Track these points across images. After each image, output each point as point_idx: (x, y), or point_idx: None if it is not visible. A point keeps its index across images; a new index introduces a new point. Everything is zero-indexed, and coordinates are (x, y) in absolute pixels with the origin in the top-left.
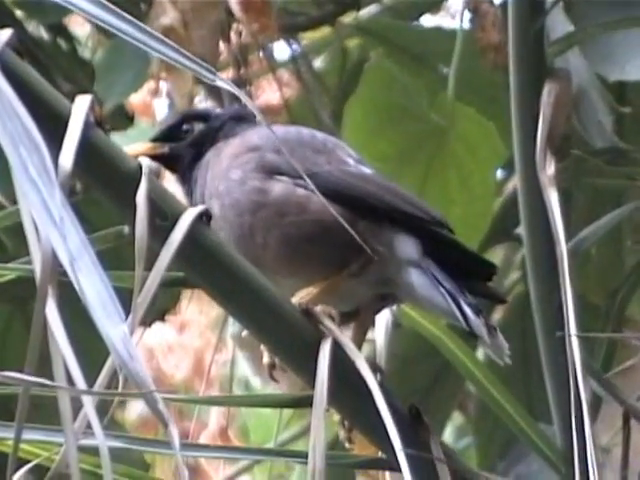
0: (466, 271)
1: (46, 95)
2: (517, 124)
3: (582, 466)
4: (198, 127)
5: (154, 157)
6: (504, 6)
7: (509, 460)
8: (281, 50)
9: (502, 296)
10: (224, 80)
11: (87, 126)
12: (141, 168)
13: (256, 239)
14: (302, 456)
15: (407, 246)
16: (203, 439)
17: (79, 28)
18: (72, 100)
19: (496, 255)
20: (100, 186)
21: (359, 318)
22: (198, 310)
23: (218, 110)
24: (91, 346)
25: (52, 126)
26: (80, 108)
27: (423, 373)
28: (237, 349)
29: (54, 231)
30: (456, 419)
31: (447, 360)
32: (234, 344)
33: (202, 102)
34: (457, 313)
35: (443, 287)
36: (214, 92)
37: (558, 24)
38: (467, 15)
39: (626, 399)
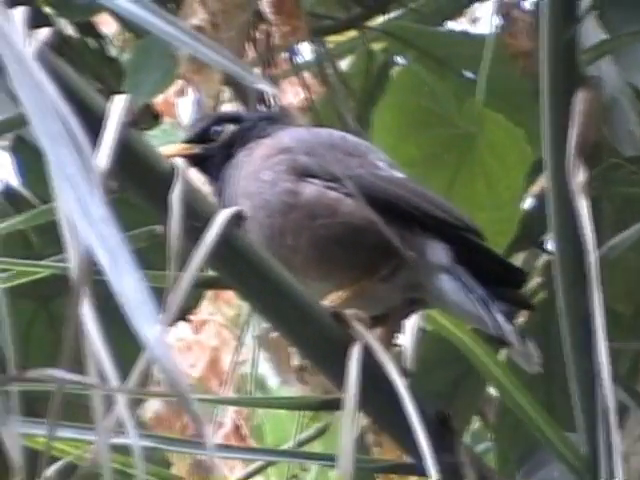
0: (495, 277)
1: (83, 94)
2: (548, 131)
3: (606, 474)
4: (229, 129)
5: (187, 158)
6: (535, 12)
7: (530, 466)
8: (306, 52)
9: (530, 303)
10: (263, 80)
11: (123, 126)
12: (175, 169)
13: (286, 241)
14: (318, 457)
15: (437, 251)
16: (218, 438)
17: (107, 27)
18: (104, 99)
19: (516, 260)
20: (134, 186)
21: (388, 322)
22: (216, 309)
23: (249, 112)
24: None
25: (88, 125)
26: (117, 108)
27: (444, 378)
28: (256, 349)
29: (91, 230)
30: (473, 424)
31: (468, 366)
32: (256, 344)
33: (229, 103)
34: (487, 319)
35: (473, 293)
36: (240, 93)
37: (590, 32)
38: (495, 20)
39: None
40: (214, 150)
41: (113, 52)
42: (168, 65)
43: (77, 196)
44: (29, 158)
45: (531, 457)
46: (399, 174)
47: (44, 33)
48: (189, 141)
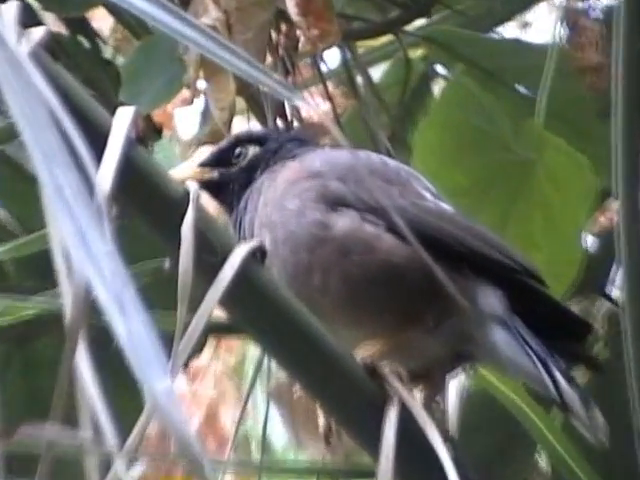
0: (554, 328)
1: (82, 105)
2: (620, 158)
3: None
4: (252, 151)
5: (201, 183)
6: (606, 22)
7: None
8: (332, 59)
9: (598, 363)
10: (288, 88)
11: (128, 143)
12: (188, 195)
13: (313, 280)
14: None
15: (491, 298)
16: None
17: (101, 23)
18: (106, 110)
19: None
20: (140, 213)
21: (430, 379)
22: (215, 356)
23: (275, 132)
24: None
25: (88, 141)
26: (122, 121)
27: (487, 443)
28: (263, 404)
29: (91, 264)
30: None
31: (515, 430)
32: (264, 399)
33: (244, 116)
34: (547, 380)
35: (531, 348)
36: (257, 105)
37: None
38: (560, 30)
39: None
40: (233, 175)
41: (108, 53)
42: (174, 70)
43: (75, 223)
44: (7, 176)
45: None
46: (446, 206)
47: (39, 32)
48: (205, 164)
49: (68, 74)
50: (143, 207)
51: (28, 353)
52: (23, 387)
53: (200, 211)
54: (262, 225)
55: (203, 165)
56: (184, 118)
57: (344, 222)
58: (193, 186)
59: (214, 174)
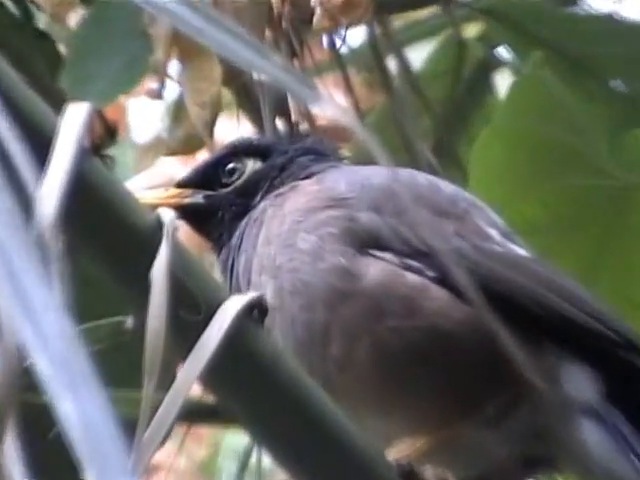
0: None
1: (15, 96)
2: None
3: None
4: (252, 166)
5: (180, 210)
6: None
7: None
8: (355, 37)
9: None
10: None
11: (81, 155)
12: (162, 227)
13: (331, 350)
14: None
15: (580, 380)
16: None
17: None
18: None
19: None
20: (96, 251)
21: None
22: (180, 448)
23: (283, 140)
24: None
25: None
26: (72, 125)
27: None
28: None
29: (28, 322)
30: None
31: None
32: None
33: (232, 115)
34: None
35: (634, 451)
36: (251, 100)
37: None
38: None
39: None
40: (225, 199)
41: (43, 23)
42: (136, 49)
43: (5, 264)
44: None
45: None
46: (520, 249)
47: None
48: (185, 184)
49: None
50: (100, 243)
51: None
52: None
53: (178, 250)
54: (262, 270)
55: (182, 185)
56: (145, 115)
57: (377, 270)
58: (168, 215)
59: (197, 198)
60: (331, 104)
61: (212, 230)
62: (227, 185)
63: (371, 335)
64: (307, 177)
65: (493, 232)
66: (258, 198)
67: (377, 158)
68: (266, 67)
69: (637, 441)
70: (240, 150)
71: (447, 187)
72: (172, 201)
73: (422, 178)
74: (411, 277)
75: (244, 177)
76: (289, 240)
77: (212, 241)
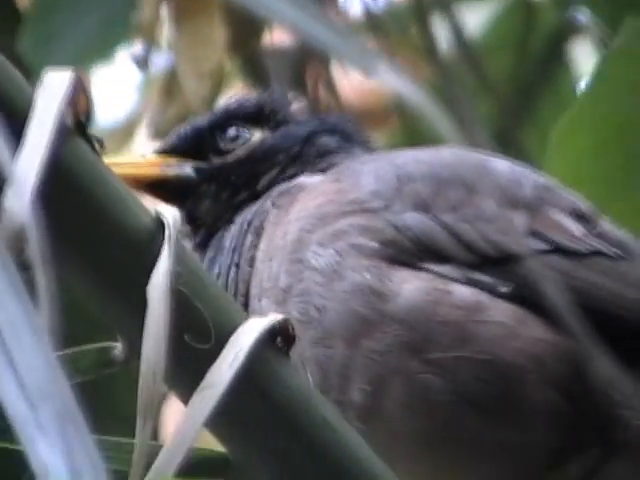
0: None
1: None
2: None
3: None
4: (260, 137)
5: (160, 185)
6: None
7: None
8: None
9: None
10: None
11: (62, 136)
12: (163, 227)
13: (352, 395)
14: None
15: None
16: None
17: None
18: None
19: None
20: (78, 256)
21: None
22: None
23: (301, 108)
24: None
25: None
26: (51, 99)
27: None
28: None
29: None
30: None
31: None
32: None
33: (235, 89)
34: None
35: None
36: (259, 72)
37: None
38: None
39: None
40: (219, 175)
41: None
42: (117, 3)
43: None
44: None
45: None
46: (613, 247)
47: None
48: (170, 151)
49: None
50: (84, 247)
51: None
52: None
53: (182, 258)
54: (263, 293)
55: (166, 152)
56: (120, 88)
57: (414, 287)
58: (171, 214)
59: (185, 169)
60: (393, 72)
61: (201, 212)
62: (224, 154)
63: (405, 375)
64: (323, 170)
65: (576, 228)
66: (265, 180)
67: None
68: (308, 21)
69: None
70: (242, 114)
71: (509, 167)
72: (152, 171)
73: (473, 157)
74: (461, 294)
75: (248, 148)
76: (297, 254)
77: (198, 227)
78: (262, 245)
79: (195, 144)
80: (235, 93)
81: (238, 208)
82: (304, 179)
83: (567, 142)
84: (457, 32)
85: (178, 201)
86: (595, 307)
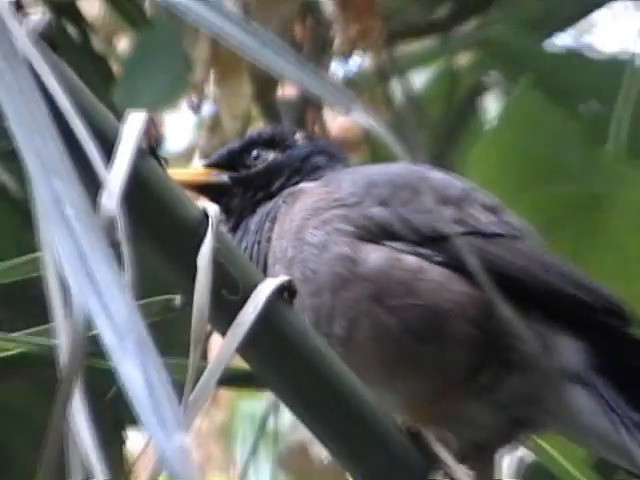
0: None
1: (85, 105)
2: None
3: None
4: (273, 157)
5: (205, 188)
6: None
7: None
8: (363, 61)
9: None
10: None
11: (139, 156)
12: (207, 218)
13: (335, 329)
14: None
15: (567, 350)
16: None
17: (91, 7)
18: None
19: None
20: (149, 237)
21: (482, 449)
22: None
23: (301, 137)
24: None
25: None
26: (132, 130)
27: None
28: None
29: (93, 297)
30: None
31: None
32: (274, 467)
33: (258, 126)
34: (636, 453)
35: (617, 414)
36: (274, 115)
37: None
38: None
39: None
40: (247, 180)
41: (99, 45)
42: (178, 68)
43: (76, 247)
44: None
45: None
46: (514, 230)
47: (38, 20)
48: (212, 164)
49: (69, 68)
50: (153, 231)
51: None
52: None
53: (220, 239)
54: (276, 261)
55: (210, 166)
56: (181, 125)
57: (377, 256)
58: (213, 208)
59: (223, 177)
60: (364, 114)
61: (233, 206)
62: (249, 168)
63: (370, 316)
64: (316, 179)
65: (488, 216)
66: (277, 185)
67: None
68: (308, 79)
69: (619, 403)
70: (262, 141)
71: (441, 176)
72: (201, 179)
73: (417, 170)
74: (408, 261)
75: (266, 164)
76: (299, 235)
77: (231, 216)
78: (276, 229)
79: (230, 160)
80: (257, 128)
81: (258, 204)
82: (304, 185)
83: (479, 161)
84: (406, 89)
85: (218, 199)
86: (499, 271)
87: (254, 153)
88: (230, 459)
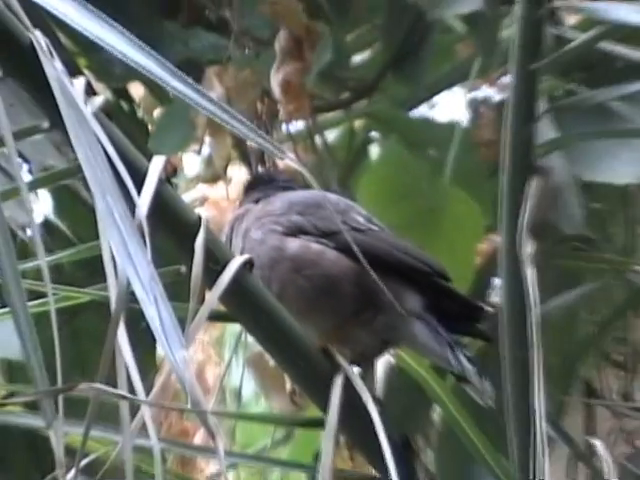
0: (460, 314)
1: (127, 153)
2: (505, 210)
3: None
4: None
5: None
6: (498, 109)
7: None
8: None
9: (490, 335)
10: (272, 145)
11: (160, 182)
12: (200, 220)
13: (273, 290)
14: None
15: (411, 299)
16: (198, 437)
17: (136, 91)
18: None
19: None
20: (166, 232)
21: (365, 358)
22: (203, 329)
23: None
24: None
25: (132, 179)
26: (155, 166)
27: (400, 403)
28: (236, 365)
29: (131, 267)
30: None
31: (417, 395)
32: (238, 362)
33: (236, 163)
34: (452, 360)
35: (441, 337)
36: (245, 155)
37: (545, 130)
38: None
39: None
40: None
41: (140, 114)
42: (187, 128)
43: (120, 238)
44: (69, 201)
45: (465, 473)
46: (376, 227)
47: (99, 100)
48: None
49: (117, 129)
50: (168, 228)
51: (76, 323)
52: (71, 350)
53: (208, 232)
54: (239, 249)
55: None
56: (191, 162)
57: (295, 245)
58: (204, 214)
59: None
60: (290, 158)
61: None
62: None
63: (293, 281)
64: (256, 202)
65: (361, 219)
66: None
67: (311, 185)
68: (258, 139)
69: (442, 331)
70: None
71: (334, 196)
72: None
73: (320, 194)
74: (315, 247)
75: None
76: (247, 233)
77: None
78: (239, 230)
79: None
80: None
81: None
82: (251, 206)
83: (365, 187)
84: (323, 141)
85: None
86: (369, 252)
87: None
88: (220, 359)
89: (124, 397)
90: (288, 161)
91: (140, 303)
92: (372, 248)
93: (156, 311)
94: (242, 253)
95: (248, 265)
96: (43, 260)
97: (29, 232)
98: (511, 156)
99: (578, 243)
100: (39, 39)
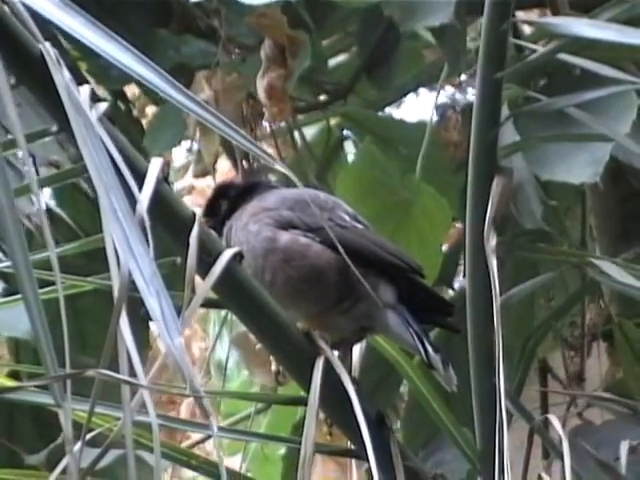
0: (431, 308)
1: (128, 154)
2: (471, 206)
3: (494, 462)
4: (224, 204)
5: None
6: (464, 113)
7: (429, 450)
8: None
9: (458, 328)
10: (255, 145)
11: (158, 181)
12: (195, 216)
13: (265, 278)
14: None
15: (387, 291)
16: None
17: (132, 92)
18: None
19: None
20: (164, 226)
21: (345, 342)
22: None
23: (235, 182)
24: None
25: (133, 178)
26: (155, 167)
27: (372, 380)
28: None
29: (132, 259)
30: None
31: (387, 371)
32: (221, 337)
33: (223, 159)
34: (421, 349)
35: (412, 328)
36: (232, 152)
37: (507, 134)
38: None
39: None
40: (218, 223)
41: (136, 113)
42: (179, 127)
43: (123, 232)
44: (76, 198)
45: (430, 443)
46: (360, 225)
47: (103, 106)
48: (205, 215)
49: (119, 132)
50: (165, 222)
51: (77, 305)
52: (73, 328)
53: (202, 227)
54: (237, 242)
55: (205, 216)
56: (179, 155)
57: (286, 237)
58: (198, 211)
59: (211, 223)
60: (271, 158)
61: (217, 229)
62: (218, 215)
63: (283, 271)
64: (253, 199)
65: (346, 217)
66: (232, 214)
67: (293, 183)
68: (242, 140)
69: (413, 322)
70: (220, 194)
71: (323, 194)
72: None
73: (310, 192)
74: (303, 239)
75: (223, 211)
76: (246, 227)
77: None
78: (235, 225)
79: (211, 211)
80: (221, 163)
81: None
82: (250, 202)
83: (343, 183)
84: (302, 138)
85: (212, 228)
86: (351, 246)
87: (219, 203)
88: (205, 334)
89: (127, 382)
90: (270, 162)
91: (140, 292)
92: (354, 244)
93: (157, 303)
94: (242, 245)
95: (238, 257)
96: (53, 252)
97: (34, 220)
98: (477, 157)
99: (537, 236)
100: (49, 50)
